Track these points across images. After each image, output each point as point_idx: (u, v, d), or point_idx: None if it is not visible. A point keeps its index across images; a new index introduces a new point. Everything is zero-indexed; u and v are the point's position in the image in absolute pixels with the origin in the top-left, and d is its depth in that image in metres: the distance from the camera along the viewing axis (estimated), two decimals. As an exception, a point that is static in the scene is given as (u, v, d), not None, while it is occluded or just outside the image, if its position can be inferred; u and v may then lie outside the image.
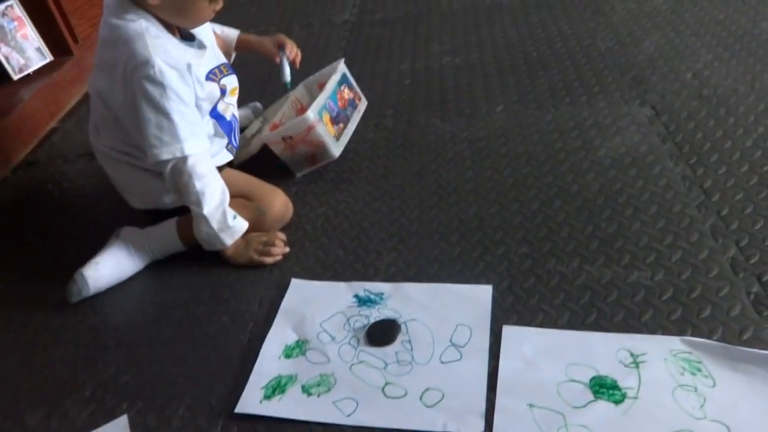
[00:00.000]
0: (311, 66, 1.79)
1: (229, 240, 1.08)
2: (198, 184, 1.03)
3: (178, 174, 1.03)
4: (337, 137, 1.29)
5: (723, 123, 1.26)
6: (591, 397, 0.80)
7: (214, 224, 1.06)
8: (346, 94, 1.36)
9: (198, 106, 1.06)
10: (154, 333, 1.02)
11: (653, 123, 1.30)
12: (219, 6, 1.05)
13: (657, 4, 1.80)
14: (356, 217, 1.19)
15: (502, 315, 0.94)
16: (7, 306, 1.13)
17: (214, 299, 1.06)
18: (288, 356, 0.94)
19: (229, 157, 1.20)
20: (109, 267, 1.10)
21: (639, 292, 0.93)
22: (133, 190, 1.17)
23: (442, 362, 0.89)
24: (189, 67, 1.03)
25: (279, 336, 0.97)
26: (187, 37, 1.10)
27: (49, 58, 1.82)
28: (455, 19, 1.94)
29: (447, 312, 0.96)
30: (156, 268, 1.15)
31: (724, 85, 1.38)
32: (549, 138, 1.32)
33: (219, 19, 2.12)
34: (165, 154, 1.01)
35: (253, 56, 1.45)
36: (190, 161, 1.02)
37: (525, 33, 1.78)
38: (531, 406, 0.80)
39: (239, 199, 1.14)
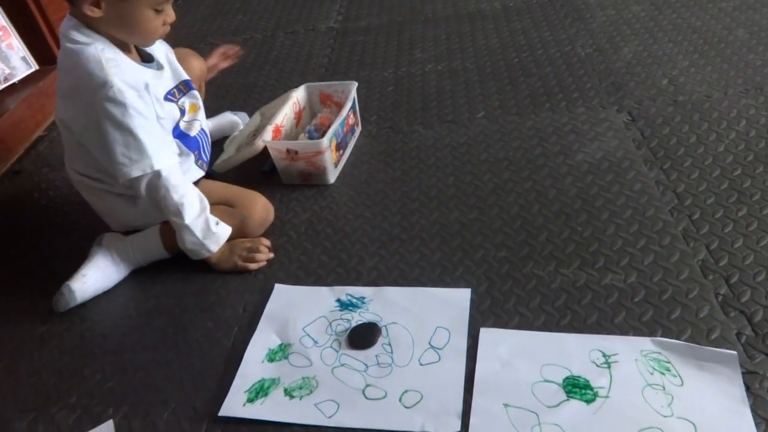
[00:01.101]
0: (295, 72, 1.82)
1: (215, 246, 1.10)
2: (175, 196, 1.04)
3: (154, 189, 1.04)
4: (336, 164, 1.32)
5: (696, 128, 1.29)
6: (564, 396, 0.83)
7: (198, 233, 1.07)
8: (351, 120, 1.39)
9: (160, 125, 1.07)
10: (138, 339, 1.04)
11: (629, 128, 1.33)
12: (170, 19, 1.05)
13: (636, 11, 1.83)
14: (339, 222, 1.22)
15: (480, 317, 0.96)
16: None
17: (199, 305, 1.08)
18: (271, 360, 0.95)
19: (201, 173, 1.21)
20: (95, 278, 1.11)
21: (612, 295, 0.96)
22: (111, 214, 1.19)
23: (421, 364, 0.91)
24: (147, 86, 1.04)
25: (262, 340, 0.99)
26: (146, 59, 1.10)
27: (35, 67, 1.83)
28: (438, 25, 1.97)
29: (427, 315, 0.98)
30: (140, 274, 1.16)
31: (699, 91, 1.41)
32: (529, 144, 1.34)
33: (205, 25, 2.15)
34: (135, 171, 1.02)
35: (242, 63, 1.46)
36: (164, 174, 1.03)
37: (507, 40, 1.81)
38: (506, 405, 0.83)
39: (221, 206, 1.15)
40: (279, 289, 1.08)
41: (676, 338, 0.88)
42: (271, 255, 1.15)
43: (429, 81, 1.66)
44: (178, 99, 1.14)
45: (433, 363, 0.91)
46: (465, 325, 0.95)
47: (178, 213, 1.05)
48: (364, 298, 1.04)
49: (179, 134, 1.14)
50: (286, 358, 0.96)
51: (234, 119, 1.55)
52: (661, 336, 0.88)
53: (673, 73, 1.50)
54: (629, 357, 0.86)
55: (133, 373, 0.98)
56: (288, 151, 1.28)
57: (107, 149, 1.02)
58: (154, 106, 1.05)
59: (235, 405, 0.89)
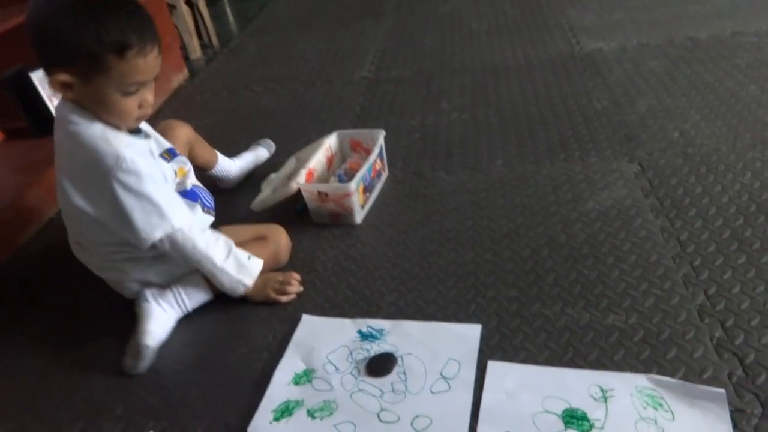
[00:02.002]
0: (329, 119, 1.96)
1: (250, 280, 1.20)
2: (201, 245, 1.13)
3: (180, 247, 1.12)
4: (363, 205, 1.44)
5: (703, 180, 1.37)
6: (562, 426, 0.90)
7: (232, 271, 1.16)
8: (378, 165, 1.51)
9: (168, 185, 1.15)
10: (178, 361, 1.14)
11: (639, 178, 1.41)
12: (146, 103, 1.07)
13: (653, 66, 1.93)
14: (363, 260, 1.32)
15: (488, 351, 1.04)
16: (52, 343, 1.27)
17: (233, 332, 1.19)
18: (296, 383, 1.05)
19: (211, 219, 1.28)
20: (158, 332, 1.16)
21: (613, 334, 1.03)
22: (143, 278, 1.23)
23: (432, 392, 0.99)
24: (151, 151, 1.13)
25: (289, 365, 1.09)
26: (134, 132, 1.14)
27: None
28: (465, 77, 2.10)
29: (439, 347, 1.07)
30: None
31: (708, 145, 1.49)
32: (543, 191, 1.44)
33: (248, 73, 2.32)
34: (158, 233, 1.09)
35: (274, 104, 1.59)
36: (186, 230, 1.11)
37: (529, 92, 1.92)
38: (508, 433, 0.90)
39: (254, 241, 1.27)
40: (306, 319, 1.18)
41: (671, 376, 0.94)
42: (301, 288, 1.25)
43: (453, 129, 1.78)
44: (169, 162, 1.22)
45: (444, 392, 0.99)
46: (474, 358, 1.04)
47: (209, 259, 1.14)
48: (382, 330, 1.13)
49: (193, 196, 1.23)
50: (310, 382, 1.05)
51: (259, 152, 1.72)
52: (656, 374, 0.95)
53: (684, 126, 1.58)
54: (625, 392, 0.93)
55: (172, 391, 1.08)
56: (319, 193, 1.40)
57: (126, 219, 1.07)
58: (162, 168, 1.13)
59: (262, 423, 0.99)
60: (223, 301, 1.25)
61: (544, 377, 0.98)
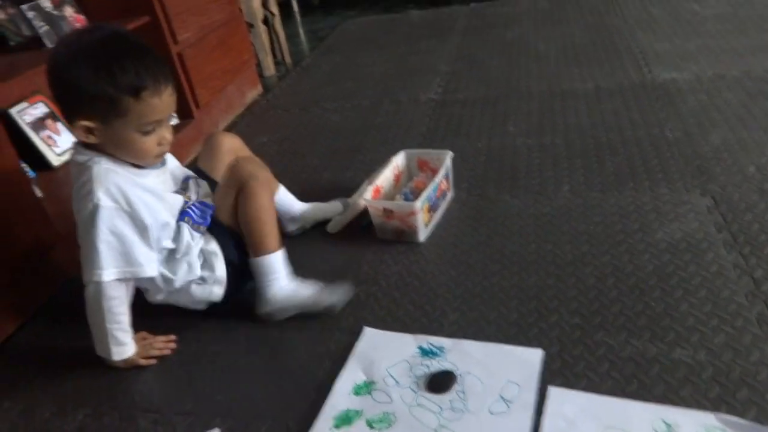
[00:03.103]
0: (397, 138, 2.00)
1: (116, 358, 1.19)
2: (105, 304, 1.13)
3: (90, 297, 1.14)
4: (427, 224, 1.46)
5: (780, 217, 1.33)
6: (624, 458, 0.89)
7: (110, 339, 1.17)
8: (444, 185, 1.54)
9: (164, 224, 1.17)
10: (245, 361, 1.19)
11: (711, 212, 1.38)
12: (165, 140, 1.13)
13: (728, 98, 1.88)
14: (426, 277, 1.34)
15: (549, 377, 1.04)
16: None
17: (297, 338, 1.23)
18: (357, 394, 1.08)
19: (198, 234, 1.25)
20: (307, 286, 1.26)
21: (680, 369, 1.01)
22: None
23: (490, 413, 1.00)
24: (152, 190, 1.15)
25: (350, 375, 1.11)
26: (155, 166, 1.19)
27: (175, 120, 2.13)
28: (532, 102, 2.11)
29: (499, 369, 1.07)
30: (248, 306, 1.31)
31: (786, 181, 1.44)
32: (610, 220, 1.42)
33: (319, 90, 2.40)
34: (85, 276, 1.12)
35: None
36: (104, 288, 1.12)
37: (597, 119, 1.91)
38: (567, 459, 0.90)
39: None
40: (368, 331, 1.21)
41: (741, 417, 0.92)
42: (168, 352, 1.24)
43: (519, 153, 1.78)
44: (185, 192, 1.26)
45: (502, 413, 0.99)
46: (535, 382, 1.04)
47: (100, 317, 1.15)
48: (443, 347, 1.14)
49: (183, 214, 1.22)
50: (369, 393, 1.08)
51: (334, 205, 1.59)
52: (725, 413, 0.93)
53: (761, 161, 1.54)
54: (691, 429, 0.91)
55: (238, 390, 1.13)
56: (385, 209, 1.43)
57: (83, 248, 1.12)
58: (152, 208, 1.14)
59: (323, 429, 1.02)
60: (288, 308, 1.30)
61: (606, 407, 0.97)
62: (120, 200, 1.10)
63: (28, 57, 1.72)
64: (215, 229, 1.27)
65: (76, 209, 1.14)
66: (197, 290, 1.25)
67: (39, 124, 1.77)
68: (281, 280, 1.25)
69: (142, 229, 1.13)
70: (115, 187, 1.10)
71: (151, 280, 1.20)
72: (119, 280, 1.14)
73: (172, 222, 1.21)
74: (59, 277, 1.49)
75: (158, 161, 1.19)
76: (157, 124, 1.11)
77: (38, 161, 1.74)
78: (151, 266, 1.16)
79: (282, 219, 1.50)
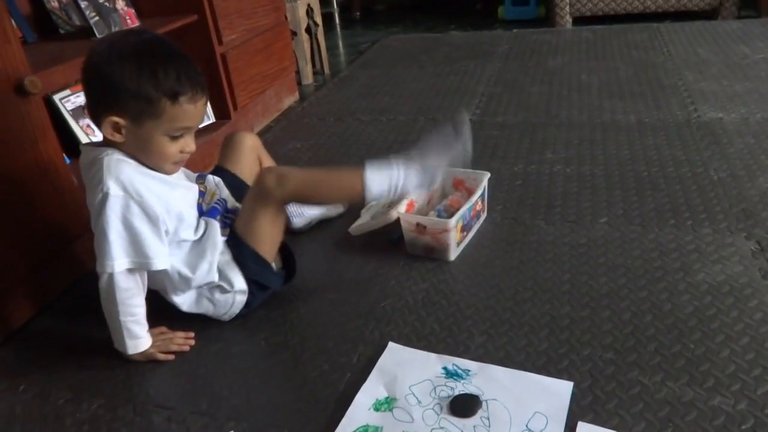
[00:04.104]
0: (432, 156, 1.98)
1: (131, 352, 1.19)
2: (118, 296, 1.12)
3: (103, 288, 1.13)
4: (459, 243, 1.44)
5: (831, 268, 1.27)
6: (656, 505, 0.84)
7: (124, 332, 1.16)
8: (478, 206, 1.52)
9: (178, 215, 1.17)
10: (265, 366, 1.17)
11: (756, 257, 1.32)
12: (188, 148, 1.14)
13: (777, 142, 1.83)
14: (454, 297, 1.30)
15: (579, 411, 1.00)
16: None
17: (319, 347, 1.20)
18: (377, 409, 1.04)
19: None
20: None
21: (719, 417, 0.96)
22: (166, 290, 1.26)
23: (516, 443, 0.96)
24: (168, 181, 1.16)
25: (371, 390, 1.08)
26: None
27: (212, 119, 2.14)
28: (572, 131, 2.07)
29: (527, 398, 1.03)
30: (272, 309, 1.30)
31: (838, 232, 1.38)
32: (649, 255, 1.38)
33: (355, 103, 2.39)
34: (98, 267, 1.11)
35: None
36: (116, 279, 1.11)
37: (638, 153, 1.86)
38: (596, 501, 0.85)
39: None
40: (392, 346, 1.18)
41: (784, 474, 0.86)
42: (186, 348, 1.22)
43: (556, 181, 1.75)
44: (203, 182, 1.28)
45: (528, 445, 0.95)
46: (564, 415, 0.99)
47: (115, 310, 1.13)
48: (469, 371, 1.10)
49: (201, 211, 1.25)
50: (390, 410, 1.04)
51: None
52: (767, 468, 0.87)
53: (811, 209, 1.48)
54: (730, 482, 0.86)
55: (255, 395, 1.10)
56: (418, 224, 1.41)
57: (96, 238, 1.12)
58: (165, 199, 1.14)
59: (339, 443, 0.98)
60: (313, 314, 1.28)
61: (638, 449, 0.92)
62: (129, 189, 1.10)
63: (75, 46, 1.74)
64: (231, 240, 1.26)
65: (89, 202, 1.15)
66: (221, 298, 1.24)
67: (79, 112, 1.78)
68: (404, 175, 1.31)
69: (152, 219, 1.12)
70: (125, 176, 1.10)
71: (166, 277, 1.19)
72: (130, 270, 1.13)
73: (190, 213, 1.21)
74: (86, 265, 1.49)
75: (175, 169, 1.19)
76: (185, 131, 1.13)
77: (75, 149, 1.75)
78: (160, 259, 1.14)
79: (289, 213, 1.51)
